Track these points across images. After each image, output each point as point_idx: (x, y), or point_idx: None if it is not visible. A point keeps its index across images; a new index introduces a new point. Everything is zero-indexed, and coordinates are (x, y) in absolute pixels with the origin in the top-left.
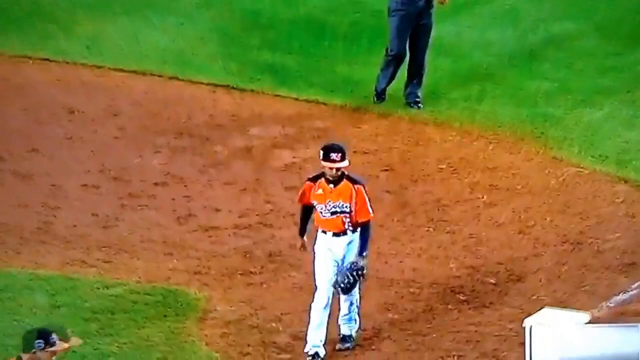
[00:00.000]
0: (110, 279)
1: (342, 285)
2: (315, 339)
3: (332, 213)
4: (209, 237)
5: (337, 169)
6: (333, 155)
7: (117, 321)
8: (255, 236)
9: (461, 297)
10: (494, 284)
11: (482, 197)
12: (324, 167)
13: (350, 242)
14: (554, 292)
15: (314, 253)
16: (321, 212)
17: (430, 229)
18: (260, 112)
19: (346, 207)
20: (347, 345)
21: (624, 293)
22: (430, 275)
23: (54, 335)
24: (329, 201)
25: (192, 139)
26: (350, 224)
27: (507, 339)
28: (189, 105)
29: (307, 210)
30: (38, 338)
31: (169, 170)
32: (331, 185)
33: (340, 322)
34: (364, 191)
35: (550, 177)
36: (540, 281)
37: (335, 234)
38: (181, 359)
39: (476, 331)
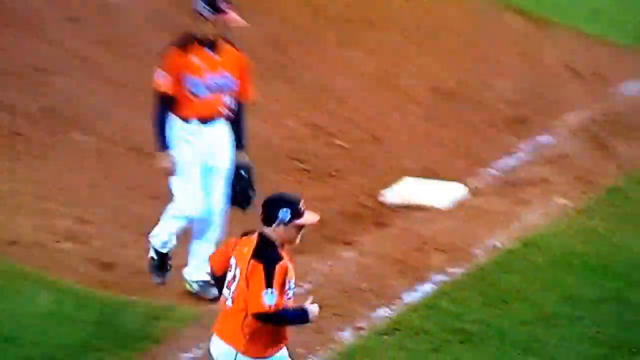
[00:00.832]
0: None
1: (244, 201)
2: (171, 234)
3: (211, 90)
4: None
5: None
6: (223, 4)
7: None
8: (24, 87)
9: (301, 165)
10: (345, 148)
11: (333, 35)
12: (208, 22)
13: (221, 132)
14: (421, 157)
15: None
16: (192, 90)
17: (264, 76)
18: None
19: (231, 80)
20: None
21: (511, 156)
22: (260, 136)
23: (302, 203)
24: (208, 73)
25: None
26: (230, 105)
27: (360, 217)
28: None
29: (169, 104)
30: (284, 206)
31: None
32: (209, 50)
33: (190, 276)
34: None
35: (416, 6)
36: (403, 142)
37: (204, 121)
38: None
39: (320, 208)
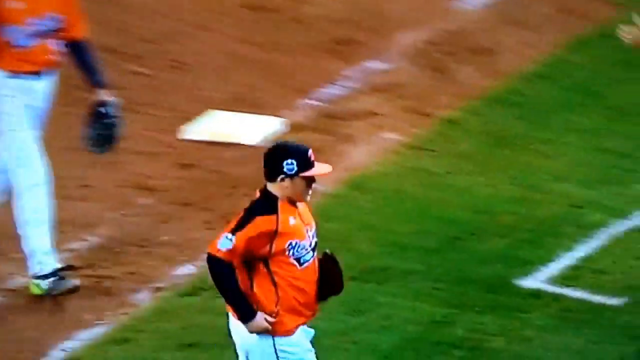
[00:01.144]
0: None
1: (106, 141)
2: (45, 242)
3: (35, 37)
4: None
5: None
6: None
7: None
8: None
9: None
10: (144, 75)
11: None
12: None
13: (51, 85)
14: (231, 85)
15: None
16: (11, 40)
17: None
18: None
19: (57, 20)
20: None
21: (334, 84)
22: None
23: (310, 152)
24: (28, 17)
25: None
26: (59, 50)
27: (159, 157)
28: None
29: None
30: (287, 157)
31: None
32: None
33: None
34: None
35: None
36: (210, 68)
37: (33, 75)
38: None
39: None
